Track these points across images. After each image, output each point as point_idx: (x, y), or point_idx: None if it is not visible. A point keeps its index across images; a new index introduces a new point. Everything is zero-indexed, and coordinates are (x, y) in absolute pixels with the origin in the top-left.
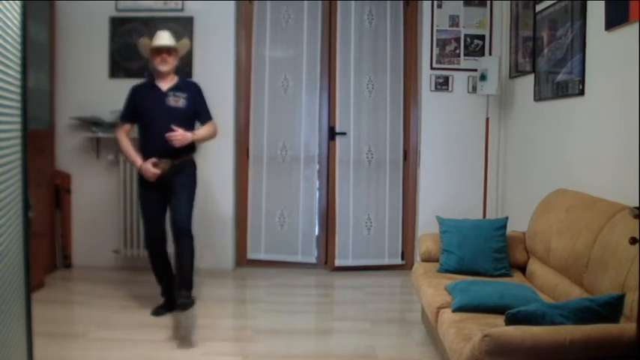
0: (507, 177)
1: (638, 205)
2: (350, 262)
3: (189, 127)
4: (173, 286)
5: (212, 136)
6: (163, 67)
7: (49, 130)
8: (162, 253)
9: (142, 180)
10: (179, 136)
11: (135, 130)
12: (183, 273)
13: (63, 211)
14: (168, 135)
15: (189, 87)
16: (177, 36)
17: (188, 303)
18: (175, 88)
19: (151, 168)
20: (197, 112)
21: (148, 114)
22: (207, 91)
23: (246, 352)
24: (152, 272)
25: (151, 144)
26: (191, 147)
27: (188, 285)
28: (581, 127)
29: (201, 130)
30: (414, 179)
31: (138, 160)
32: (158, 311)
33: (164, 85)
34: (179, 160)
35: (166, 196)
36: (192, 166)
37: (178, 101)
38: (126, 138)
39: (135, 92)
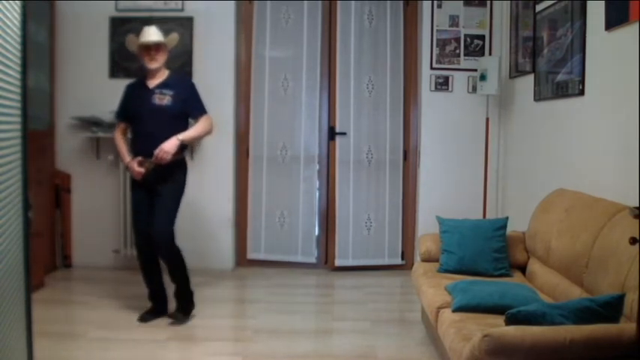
0: (507, 177)
1: (638, 205)
2: (350, 262)
3: (179, 125)
4: (162, 290)
5: (205, 132)
6: (152, 65)
7: (49, 130)
8: (150, 253)
9: (132, 178)
10: (161, 153)
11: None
12: (176, 290)
13: (63, 211)
14: (154, 158)
15: (178, 83)
16: (167, 33)
17: (182, 320)
18: (162, 86)
19: (135, 166)
20: (187, 108)
21: (135, 113)
22: (207, 91)
23: (246, 352)
24: (141, 273)
25: (139, 143)
26: (182, 145)
27: (182, 303)
28: (581, 127)
29: (190, 131)
30: (414, 179)
31: (126, 157)
32: (145, 317)
33: (152, 83)
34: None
35: (153, 198)
36: (182, 168)
37: (163, 99)
38: (120, 136)
39: (126, 91)
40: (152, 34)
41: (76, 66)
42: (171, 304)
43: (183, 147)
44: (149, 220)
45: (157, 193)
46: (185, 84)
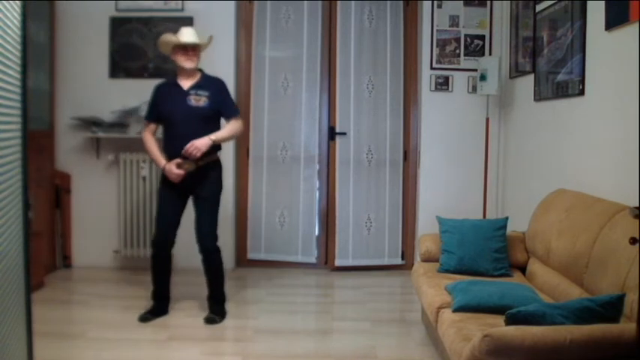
0: (507, 177)
1: (638, 205)
2: (350, 262)
3: (213, 126)
4: (167, 291)
5: (236, 134)
6: (189, 65)
7: (49, 130)
8: (166, 256)
9: (165, 180)
10: (193, 149)
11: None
12: (217, 288)
13: (63, 211)
14: (184, 151)
15: (211, 84)
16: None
17: (219, 317)
18: (197, 87)
19: (174, 169)
20: (220, 109)
21: (169, 114)
22: None
23: (246, 352)
24: (150, 271)
25: (174, 145)
26: (215, 146)
27: (221, 299)
28: (581, 127)
29: (222, 131)
30: (414, 179)
31: (162, 160)
32: (145, 317)
33: (186, 84)
34: (203, 161)
35: (187, 200)
36: (218, 168)
37: (200, 100)
38: (151, 137)
39: (157, 91)
40: (191, 35)
41: (76, 66)
42: (173, 305)
43: (217, 147)
44: (175, 224)
45: (198, 196)
46: (219, 85)
